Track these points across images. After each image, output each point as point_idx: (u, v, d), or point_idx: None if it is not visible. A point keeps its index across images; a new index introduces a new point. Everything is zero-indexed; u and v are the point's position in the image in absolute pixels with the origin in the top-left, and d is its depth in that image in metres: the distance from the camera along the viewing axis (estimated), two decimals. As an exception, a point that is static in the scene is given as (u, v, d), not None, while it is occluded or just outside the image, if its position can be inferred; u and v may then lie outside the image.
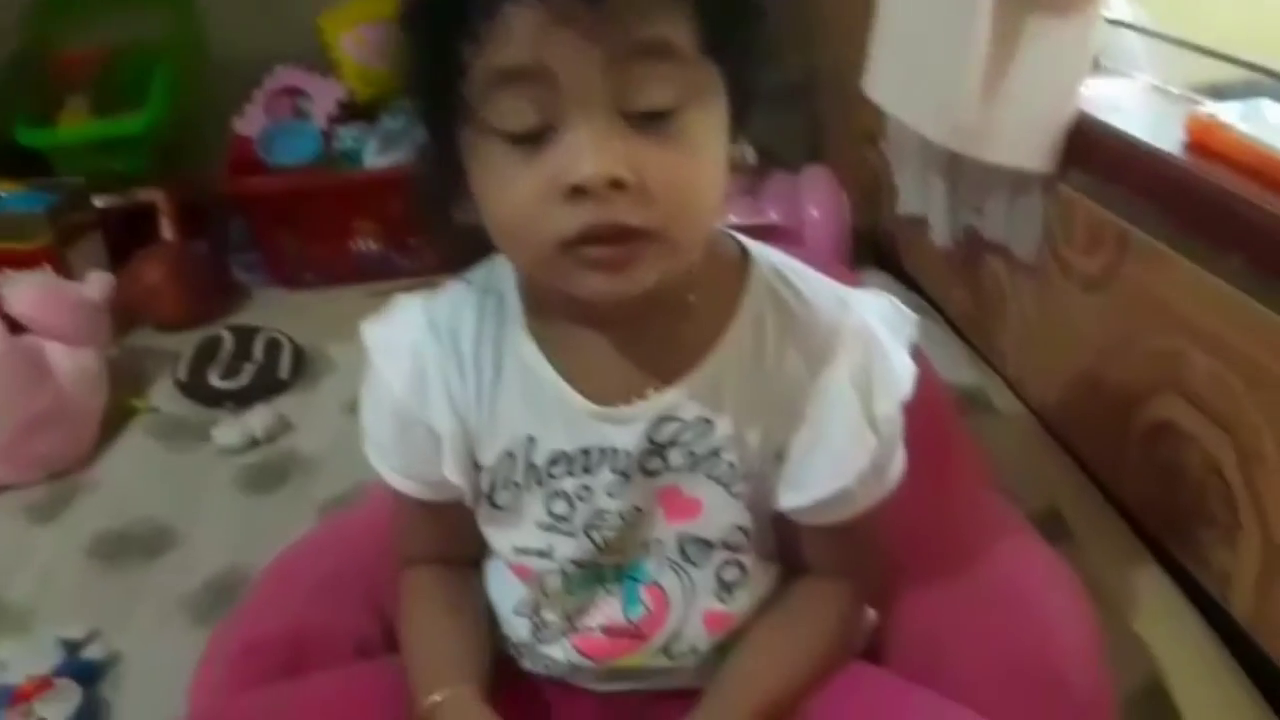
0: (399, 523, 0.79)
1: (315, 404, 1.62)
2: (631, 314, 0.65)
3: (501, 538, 0.74)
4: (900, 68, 1.37)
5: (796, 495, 0.70)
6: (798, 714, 0.70)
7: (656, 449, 0.68)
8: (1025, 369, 1.40)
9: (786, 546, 0.76)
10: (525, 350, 0.69)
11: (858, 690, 0.72)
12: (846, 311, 0.69)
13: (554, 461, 0.70)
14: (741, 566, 0.72)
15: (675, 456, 0.69)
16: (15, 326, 1.52)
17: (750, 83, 0.63)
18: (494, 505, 0.73)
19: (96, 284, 1.63)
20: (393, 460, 0.74)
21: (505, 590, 0.77)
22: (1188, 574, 1.07)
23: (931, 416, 0.96)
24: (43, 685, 1.08)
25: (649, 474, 0.69)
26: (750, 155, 0.66)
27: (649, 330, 0.67)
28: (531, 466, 0.70)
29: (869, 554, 0.76)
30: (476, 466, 0.72)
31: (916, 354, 0.73)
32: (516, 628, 0.77)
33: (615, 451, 0.68)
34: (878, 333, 0.69)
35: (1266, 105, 1.04)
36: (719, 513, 0.70)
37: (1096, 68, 1.24)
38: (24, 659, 1.13)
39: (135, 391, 1.67)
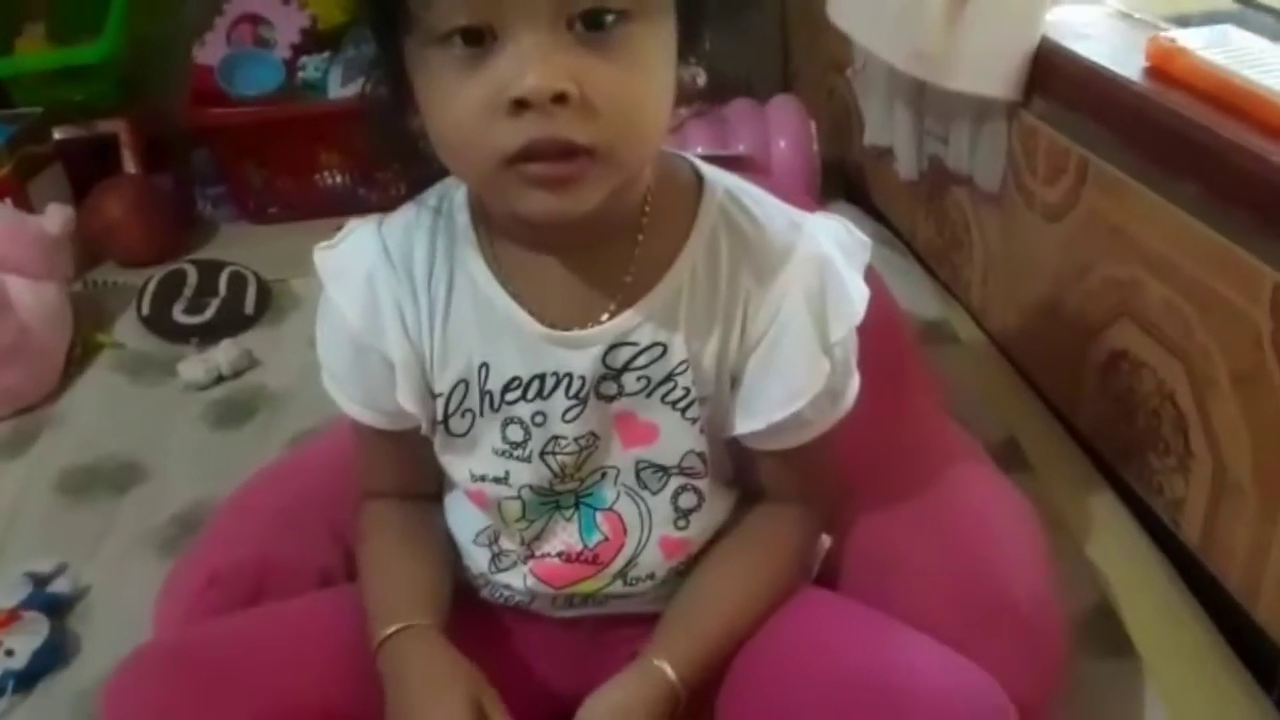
0: (359, 455, 0.80)
1: (281, 339, 1.61)
2: (582, 237, 0.65)
3: (459, 465, 0.74)
4: (865, -7, 1.35)
5: (751, 420, 0.71)
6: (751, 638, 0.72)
7: (612, 374, 0.68)
8: (989, 300, 1.40)
9: (743, 472, 0.76)
10: (477, 274, 0.69)
11: (808, 614, 0.74)
12: (800, 234, 0.69)
13: (508, 388, 0.70)
14: (698, 493, 0.73)
15: (631, 381, 0.69)
16: (-26, 262, 1.50)
17: (700, 2, 0.62)
18: (450, 433, 0.73)
19: (56, 217, 1.61)
20: (349, 390, 0.74)
21: (464, 520, 0.78)
22: (1141, 501, 1.08)
23: (888, 342, 0.97)
24: (10, 618, 1.08)
25: (605, 399, 0.69)
26: (700, 77, 0.65)
27: (602, 254, 0.67)
28: (486, 393, 0.70)
29: (823, 479, 0.76)
30: (432, 394, 0.72)
31: (872, 279, 0.73)
32: (475, 557, 0.78)
33: (570, 376, 0.68)
34: (832, 256, 0.69)
35: (1230, 31, 1.04)
36: (675, 438, 0.71)
37: (1062, -8, 1.23)
38: (-9, 592, 1.13)
39: (99, 327, 1.66)
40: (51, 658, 1.07)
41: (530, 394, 0.69)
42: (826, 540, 0.82)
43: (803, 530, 0.77)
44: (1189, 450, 0.99)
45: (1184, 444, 1.00)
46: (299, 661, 0.72)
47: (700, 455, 0.72)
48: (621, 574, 0.74)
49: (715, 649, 0.71)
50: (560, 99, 0.56)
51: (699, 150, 1.66)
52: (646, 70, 0.59)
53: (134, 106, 2.08)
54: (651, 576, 0.75)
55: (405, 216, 0.72)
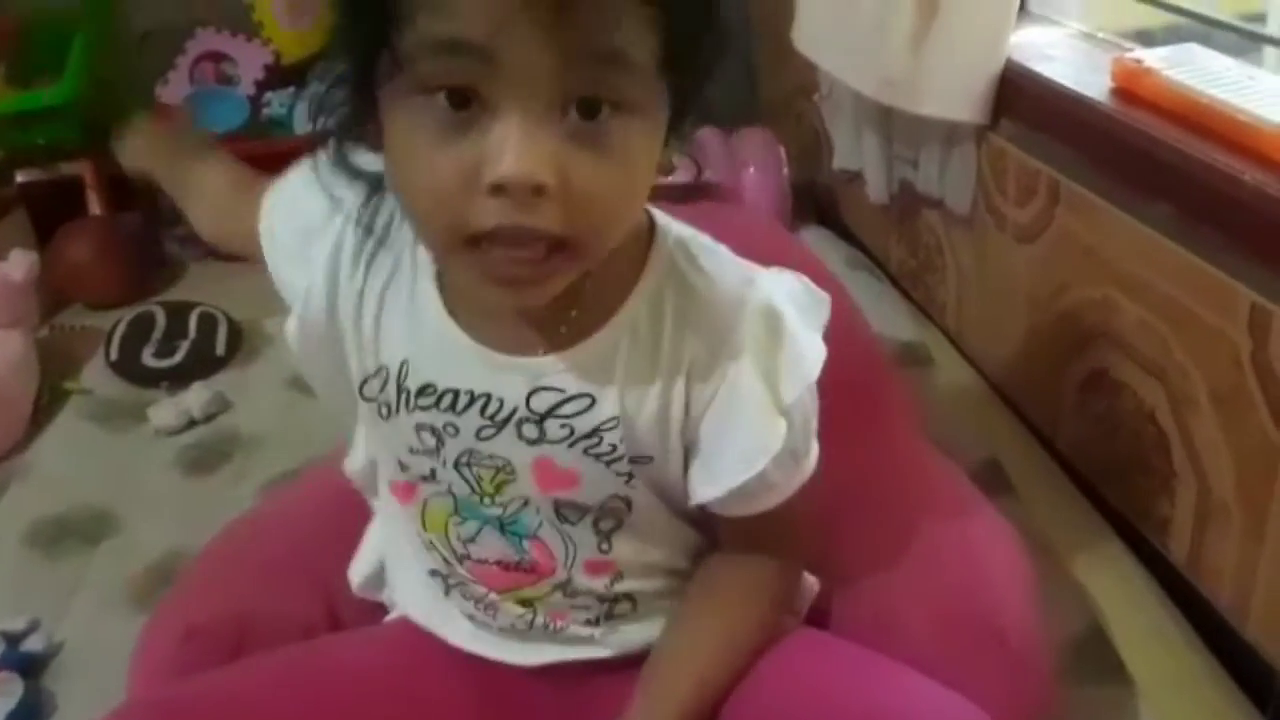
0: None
1: (254, 381, 1.59)
2: None
3: (386, 451, 0.73)
4: (829, 20, 1.36)
5: (711, 486, 0.68)
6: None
7: (534, 418, 0.66)
8: (964, 322, 1.41)
9: (711, 533, 0.74)
10: (420, 275, 0.67)
11: (795, 654, 0.72)
12: (753, 290, 0.67)
13: (422, 391, 0.67)
14: (618, 520, 0.70)
15: (554, 429, 0.66)
16: (-63, 312, 1.47)
17: (695, 98, 0.60)
18: (375, 415, 0.71)
19: (20, 264, 1.58)
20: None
21: (412, 562, 0.77)
22: (1126, 521, 1.08)
23: (864, 368, 0.97)
24: (-18, 680, 1.06)
25: (525, 440, 0.67)
26: (677, 158, 0.64)
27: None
28: (403, 390, 0.68)
29: (797, 537, 0.74)
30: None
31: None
32: (425, 594, 0.77)
33: (489, 397, 0.66)
34: (784, 314, 0.67)
35: (1194, 49, 1.05)
36: (597, 485, 0.68)
37: (1026, 15, 1.24)
38: (-38, 653, 1.10)
39: (67, 373, 1.63)
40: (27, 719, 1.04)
41: (443, 405, 0.67)
42: (814, 582, 0.81)
43: (780, 581, 0.74)
44: (1172, 470, 1.00)
45: (1166, 463, 1.00)
46: (282, 715, 0.71)
47: (624, 499, 0.69)
48: (560, 587, 0.72)
49: (693, 709, 0.69)
50: (540, 190, 0.53)
51: (669, 178, 1.66)
52: (633, 167, 0.56)
53: (98, 147, 2.06)
54: (590, 592, 0.73)
55: (376, 195, 0.68)
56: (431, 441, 0.69)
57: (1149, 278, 0.99)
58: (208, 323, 1.68)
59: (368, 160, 0.64)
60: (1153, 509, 1.04)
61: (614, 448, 0.66)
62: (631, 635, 0.74)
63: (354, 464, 0.79)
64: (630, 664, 0.73)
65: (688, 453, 0.68)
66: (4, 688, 1.05)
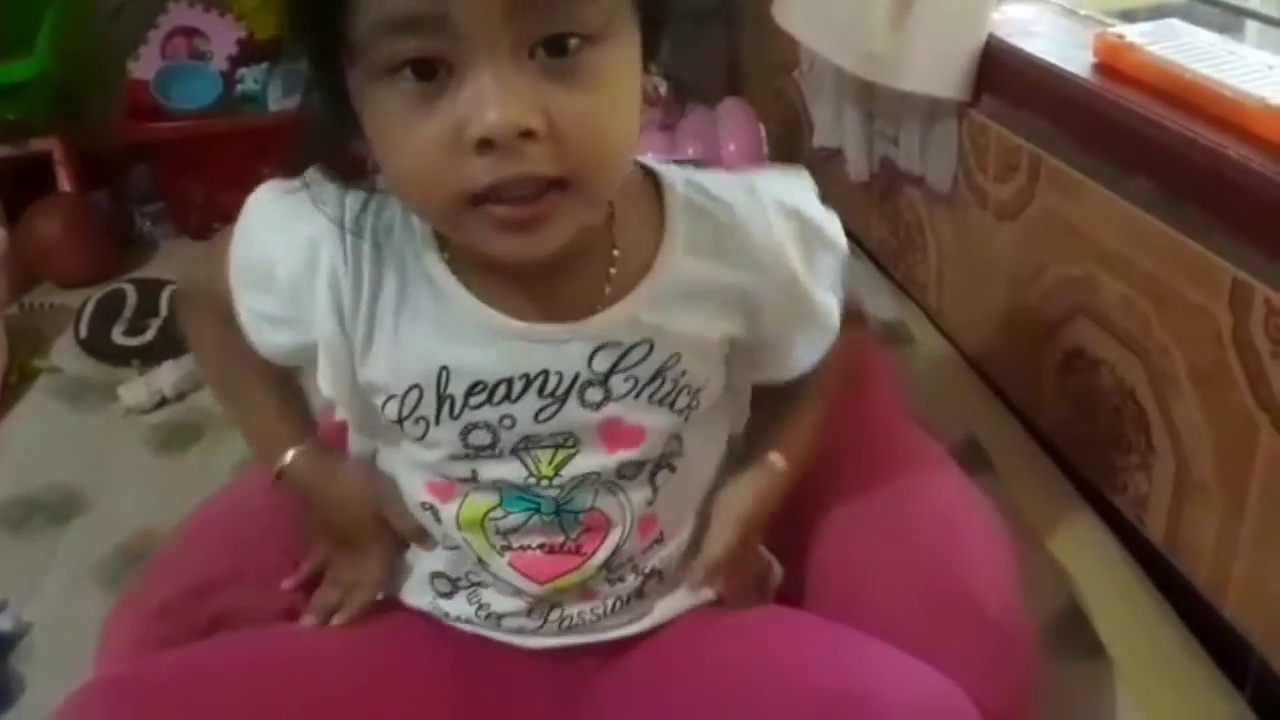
0: (213, 255, 0.74)
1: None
2: (551, 261, 0.61)
3: (412, 469, 0.72)
4: (811, -5, 1.35)
5: (785, 368, 0.75)
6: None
7: (598, 379, 0.66)
8: (944, 300, 1.40)
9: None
10: (437, 276, 0.66)
11: (766, 631, 0.73)
12: (759, 196, 0.69)
13: (471, 391, 0.66)
14: (671, 467, 0.72)
15: (618, 384, 0.67)
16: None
17: (662, 10, 0.60)
18: (404, 435, 0.70)
19: (-12, 241, 1.56)
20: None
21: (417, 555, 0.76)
22: (1105, 499, 1.08)
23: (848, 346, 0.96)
24: (-52, 661, 1.04)
25: (589, 405, 0.67)
26: (662, 86, 0.63)
27: (576, 269, 0.65)
28: (446, 398, 0.67)
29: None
30: (358, 386, 0.70)
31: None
32: (422, 588, 0.76)
33: (546, 374, 0.66)
34: (797, 206, 0.70)
35: (1176, 25, 1.04)
36: (660, 435, 0.70)
37: (1008, -10, 1.23)
38: (-71, 634, 1.09)
39: (36, 351, 1.61)
40: (-6, 700, 1.03)
41: (496, 398, 0.66)
42: (779, 570, 0.82)
43: (849, 339, 0.79)
44: (1151, 447, 0.99)
45: (1146, 441, 1.00)
46: (256, 694, 0.70)
47: (679, 437, 0.71)
48: (606, 564, 0.72)
49: (809, 443, 0.79)
50: (527, 134, 0.52)
51: (648, 155, 1.65)
52: (614, 93, 0.56)
53: (68, 123, 2.03)
54: (631, 563, 0.73)
55: (359, 200, 0.67)
56: (486, 438, 0.68)
57: (1130, 254, 0.98)
58: (180, 301, 1.66)
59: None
60: (1131, 486, 1.04)
61: (675, 383, 0.68)
62: (635, 619, 0.75)
63: (353, 448, 0.78)
64: (625, 643, 0.75)
65: (753, 348, 0.73)
66: (-30, 669, 1.04)
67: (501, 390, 0.66)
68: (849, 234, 0.75)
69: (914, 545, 0.78)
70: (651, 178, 0.69)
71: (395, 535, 0.77)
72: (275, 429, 0.78)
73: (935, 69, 1.20)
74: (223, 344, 0.76)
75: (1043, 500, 1.10)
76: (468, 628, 0.76)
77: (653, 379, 0.67)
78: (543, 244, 0.57)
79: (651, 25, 0.59)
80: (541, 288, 0.65)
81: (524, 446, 0.68)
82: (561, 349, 0.65)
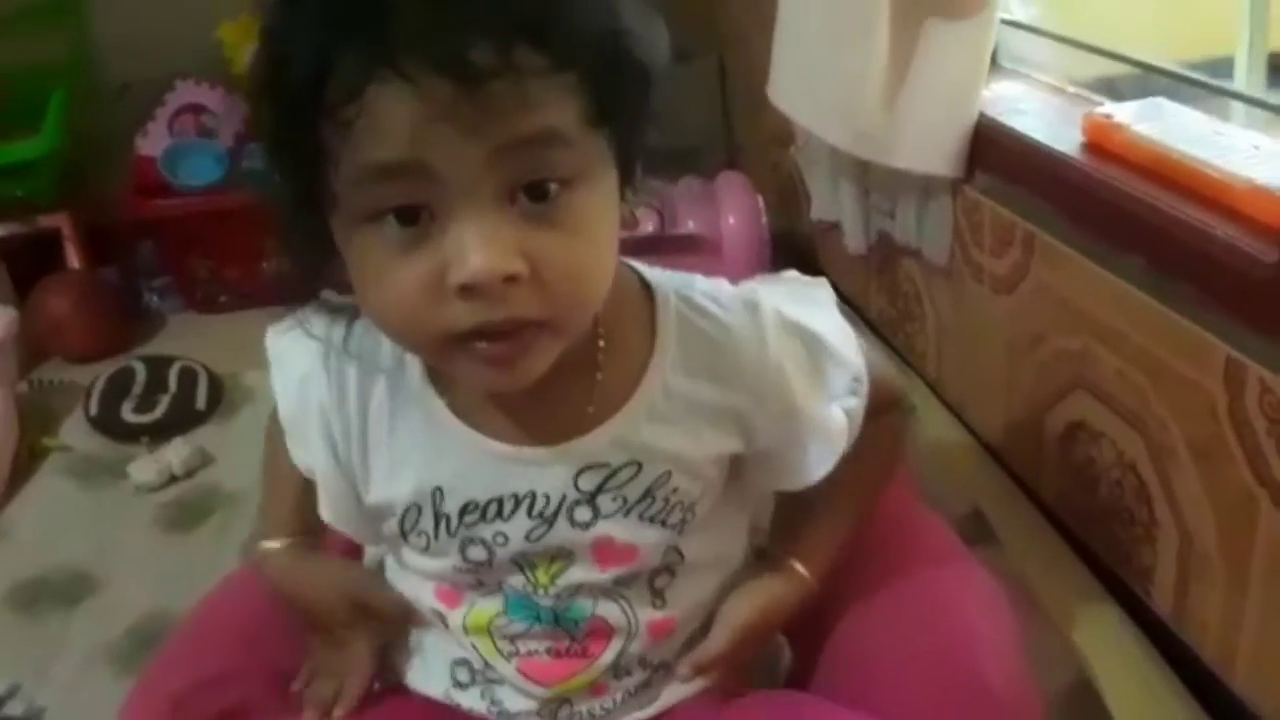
0: (274, 494, 0.80)
1: (235, 434, 1.58)
2: (536, 382, 0.62)
3: (420, 573, 0.74)
4: (803, 75, 1.38)
5: (793, 480, 0.74)
6: None
7: (586, 498, 0.67)
8: (944, 370, 1.42)
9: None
10: (426, 399, 0.67)
11: (780, 715, 0.73)
12: (759, 314, 0.68)
13: (465, 510, 0.68)
14: (671, 573, 0.72)
15: (606, 503, 0.67)
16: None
17: (638, 145, 0.61)
18: (409, 546, 0.72)
19: (-1, 320, 1.58)
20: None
21: (438, 643, 0.77)
22: (1110, 571, 1.09)
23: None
24: (-39, 748, 1.05)
25: (579, 525, 0.68)
26: (638, 210, 0.65)
27: (560, 382, 0.65)
28: (442, 516, 0.69)
29: (878, 404, 0.76)
30: (365, 510, 0.72)
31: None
32: (441, 673, 0.77)
33: (534, 496, 0.67)
34: (798, 320, 0.69)
35: (1163, 104, 1.07)
36: (654, 550, 0.70)
37: (995, 68, 1.26)
38: (-59, 721, 1.09)
39: (45, 429, 1.62)
40: (6, 788, 1.03)
41: (489, 516, 0.68)
42: (785, 647, 0.82)
43: (889, 430, 0.79)
44: (1154, 519, 1.00)
45: (1149, 514, 1.01)
46: None
47: (676, 549, 0.71)
48: (613, 666, 0.73)
49: (839, 543, 0.77)
50: (510, 279, 0.54)
51: (649, 229, 1.68)
52: (594, 233, 0.57)
53: (75, 200, 2.06)
54: (642, 661, 0.74)
55: (353, 321, 0.69)
56: (482, 555, 0.69)
57: (1125, 329, 1.00)
58: (188, 377, 1.68)
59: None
60: (1136, 559, 1.04)
61: (666, 501, 0.68)
62: (642, 707, 0.76)
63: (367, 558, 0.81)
64: None
65: (758, 461, 0.72)
66: (-17, 756, 1.04)
67: (493, 509, 0.67)
68: (848, 303, 0.76)
69: (919, 628, 0.78)
70: (647, 290, 0.69)
71: (380, 622, 0.78)
72: (279, 513, 0.79)
73: (928, 147, 1.22)
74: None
75: (1049, 573, 1.10)
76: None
77: (642, 498, 0.68)
78: (523, 377, 0.58)
79: (628, 159, 0.60)
80: (526, 410, 0.66)
81: (520, 560, 0.69)
82: (547, 471, 0.66)
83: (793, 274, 0.75)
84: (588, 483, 0.67)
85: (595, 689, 0.74)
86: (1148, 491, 1.01)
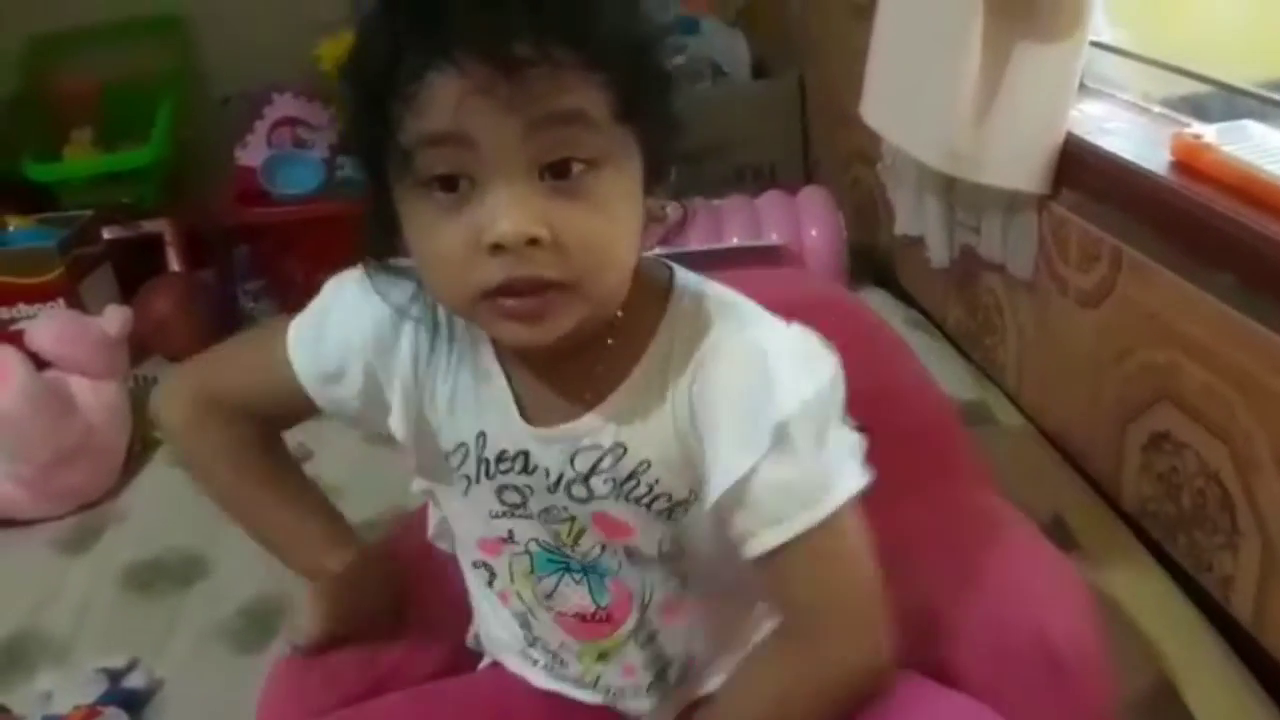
0: (231, 359, 0.91)
1: (333, 431, 1.61)
2: (552, 350, 0.68)
3: (463, 521, 0.79)
4: (895, 95, 1.42)
5: (736, 525, 0.69)
6: None
7: (580, 478, 0.72)
8: (1025, 382, 1.45)
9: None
10: (483, 351, 0.74)
11: None
12: (741, 334, 0.70)
13: (501, 458, 0.74)
14: (683, 572, 0.75)
15: (599, 485, 0.72)
16: (38, 362, 1.55)
17: (663, 144, 0.67)
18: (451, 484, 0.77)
19: (115, 318, 1.66)
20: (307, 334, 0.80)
21: (498, 610, 0.82)
22: (1190, 578, 1.11)
23: (935, 427, 1.01)
24: (91, 714, 1.11)
25: (578, 500, 0.73)
26: (672, 209, 0.71)
27: (573, 360, 0.70)
28: (483, 460, 0.74)
29: (836, 607, 0.70)
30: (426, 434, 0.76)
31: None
32: (511, 641, 0.82)
33: (545, 469, 0.73)
34: (768, 351, 0.68)
35: (1250, 126, 1.10)
36: (648, 534, 0.74)
37: (1081, 88, 1.29)
38: (69, 690, 1.16)
39: (152, 423, 1.70)
40: (134, 753, 1.10)
41: (518, 467, 0.74)
42: None
43: (837, 649, 0.70)
44: (1236, 528, 1.03)
45: (1231, 522, 1.03)
46: None
47: (679, 547, 0.74)
48: (634, 633, 0.77)
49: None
50: (533, 242, 0.61)
51: (734, 241, 1.73)
52: (612, 211, 0.64)
53: (178, 206, 2.15)
54: (665, 640, 0.78)
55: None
56: (516, 498, 0.74)
57: (1213, 344, 1.02)
58: (287, 375, 1.74)
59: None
60: (1217, 566, 1.07)
61: (650, 488, 0.72)
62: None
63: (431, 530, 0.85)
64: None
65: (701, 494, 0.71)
66: (112, 722, 1.11)
67: (521, 460, 0.73)
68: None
69: (991, 597, 0.79)
70: (669, 284, 0.72)
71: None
72: (301, 534, 0.90)
73: (1015, 164, 1.26)
74: (234, 451, 0.87)
75: (1129, 578, 1.12)
76: (549, 682, 0.82)
77: (628, 479, 0.72)
78: (545, 334, 0.65)
79: (654, 157, 0.67)
80: (547, 385, 0.72)
81: (549, 512, 0.74)
82: (548, 449, 0.72)
83: (807, 331, 0.72)
84: (582, 464, 0.72)
85: (626, 668, 0.79)
86: (1231, 501, 1.03)
